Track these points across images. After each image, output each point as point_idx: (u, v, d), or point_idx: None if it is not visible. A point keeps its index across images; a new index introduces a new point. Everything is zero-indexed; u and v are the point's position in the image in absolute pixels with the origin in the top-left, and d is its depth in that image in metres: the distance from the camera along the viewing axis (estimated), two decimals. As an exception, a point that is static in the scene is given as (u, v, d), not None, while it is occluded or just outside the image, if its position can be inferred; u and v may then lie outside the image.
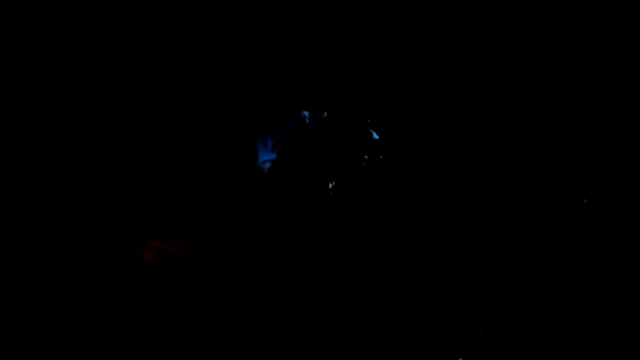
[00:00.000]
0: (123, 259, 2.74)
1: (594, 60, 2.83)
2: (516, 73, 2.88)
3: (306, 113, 3.04)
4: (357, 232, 2.91)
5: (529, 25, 2.79)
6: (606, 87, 2.84)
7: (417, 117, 2.97)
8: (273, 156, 3.01)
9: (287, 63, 2.88)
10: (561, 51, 2.83)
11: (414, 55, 2.87)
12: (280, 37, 2.81)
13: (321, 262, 2.86)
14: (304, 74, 2.91)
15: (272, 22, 2.76)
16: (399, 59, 2.89)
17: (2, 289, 2.53)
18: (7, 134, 2.58)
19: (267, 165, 3.00)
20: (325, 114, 3.05)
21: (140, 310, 2.69)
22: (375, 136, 3.04)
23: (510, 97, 2.90)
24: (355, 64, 2.89)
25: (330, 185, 3.00)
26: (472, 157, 2.93)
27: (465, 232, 2.88)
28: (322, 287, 2.82)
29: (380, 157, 3.00)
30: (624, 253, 2.76)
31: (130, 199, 2.79)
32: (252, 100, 2.92)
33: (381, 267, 2.86)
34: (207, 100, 2.89)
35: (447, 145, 2.95)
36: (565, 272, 2.79)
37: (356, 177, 2.99)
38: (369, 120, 3.03)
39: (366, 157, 3.02)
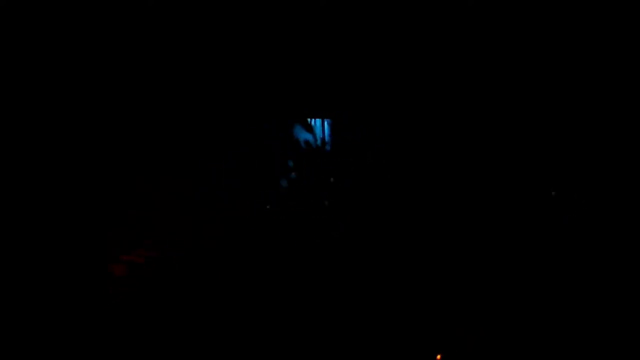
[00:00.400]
0: (122, 259, 2.75)
1: (593, 60, 2.83)
2: (515, 73, 2.88)
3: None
4: (357, 232, 2.91)
5: (529, 26, 2.79)
6: (606, 87, 2.84)
7: (416, 117, 2.97)
8: (273, 155, 3.02)
9: (288, 63, 2.88)
10: (561, 51, 2.83)
11: (415, 56, 2.87)
12: (280, 37, 2.81)
13: (321, 262, 2.86)
14: (305, 73, 2.91)
15: (272, 22, 2.76)
16: (399, 60, 2.89)
17: (2, 288, 2.53)
18: (7, 134, 2.58)
19: (268, 165, 3.00)
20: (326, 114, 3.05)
21: (140, 311, 2.69)
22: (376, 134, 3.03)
23: (510, 97, 2.91)
24: (355, 64, 2.89)
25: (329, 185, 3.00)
26: (473, 157, 2.93)
27: (464, 232, 2.88)
28: (322, 287, 2.82)
29: (381, 157, 3.00)
30: (623, 254, 2.76)
31: (130, 199, 2.79)
32: (252, 100, 2.92)
33: (380, 267, 2.86)
34: (207, 100, 2.89)
35: (448, 145, 2.95)
36: (564, 272, 2.80)
37: (357, 176, 2.99)
38: (369, 120, 3.04)
39: (368, 156, 3.02)
